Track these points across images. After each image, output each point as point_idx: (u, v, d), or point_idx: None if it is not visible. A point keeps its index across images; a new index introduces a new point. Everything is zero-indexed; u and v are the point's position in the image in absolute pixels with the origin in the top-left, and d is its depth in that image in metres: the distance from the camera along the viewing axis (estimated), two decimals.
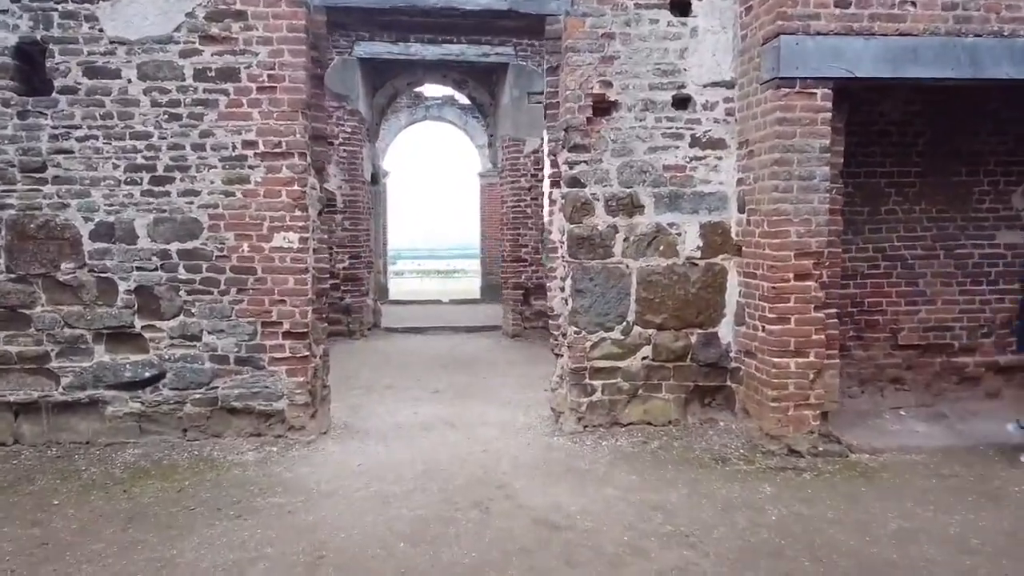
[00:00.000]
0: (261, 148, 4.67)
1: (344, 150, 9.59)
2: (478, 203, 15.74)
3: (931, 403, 5.54)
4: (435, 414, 5.78)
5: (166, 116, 4.63)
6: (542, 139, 9.92)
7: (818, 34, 4.35)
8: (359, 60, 9.50)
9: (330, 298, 9.69)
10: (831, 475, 4.27)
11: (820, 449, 4.53)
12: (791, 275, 4.47)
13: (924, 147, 5.51)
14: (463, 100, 14.78)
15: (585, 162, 4.91)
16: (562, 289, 5.21)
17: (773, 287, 4.49)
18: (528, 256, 10.02)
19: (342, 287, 9.70)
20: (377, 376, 7.43)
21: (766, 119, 4.54)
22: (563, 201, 5.08)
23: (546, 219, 5.68)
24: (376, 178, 10.28)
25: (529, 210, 9.99)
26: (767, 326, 4.56)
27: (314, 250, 4.95)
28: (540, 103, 9.71)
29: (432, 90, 14.74)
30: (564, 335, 5.17)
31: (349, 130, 9.57)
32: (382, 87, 10.49)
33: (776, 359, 4.50)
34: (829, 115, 4.45)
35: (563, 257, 5.15)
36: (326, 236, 5.11)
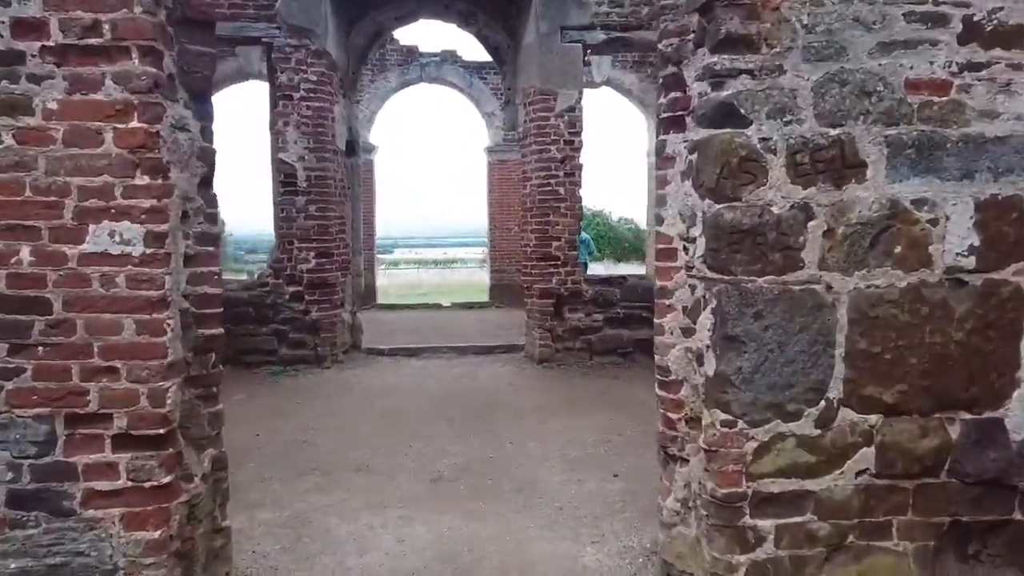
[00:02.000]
0: (55, 37, 2.19)
1: (307, 106, 7.09)
2: (486, 184, 13.24)
3: None
4: (436, 545, 3.33)
5: None
6: (580, 93, 7.44)
7: None
8: None
9: (291, 312, 7.24)
10: None
11: None
12: None
13: None
14: (467, 56, 12.31)
15: (749, 73, 2.43)
16: (686, 332, 2.74)
17: None
18: (561, 253, 7.54)
19: (306, 296, 7.23)
20: (345, 441, 4.98)
21: None
22: (694, 156, 2.61)
23: (654, 193, 3.12)
24: (354, 147, 7.82)
25: (562, 190, 7.50)
26: None
27: (189, 258, 2.47)
28: (578, 41, 7.22)
29: (429, 43, 12.27)
30: (692, 422, 2.71)
31: (314, 78, 7.07)
32: (360, 21, 7.98)
33: None
34: None
35: (692, 268, 2.68)
36: (218, 230, 2.62)
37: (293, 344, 7.26)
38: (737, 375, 2.49)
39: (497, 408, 5.92)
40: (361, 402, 6.11)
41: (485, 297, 14.82)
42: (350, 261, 7.80)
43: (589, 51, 7.44)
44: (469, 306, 12.65)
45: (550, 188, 7.49)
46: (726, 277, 2.49)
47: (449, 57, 12.46)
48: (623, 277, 7.78)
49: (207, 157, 2.55)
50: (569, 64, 7.35)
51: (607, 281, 7.73)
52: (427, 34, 33.61)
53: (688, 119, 2.65)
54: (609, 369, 7.44)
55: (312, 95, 7.09)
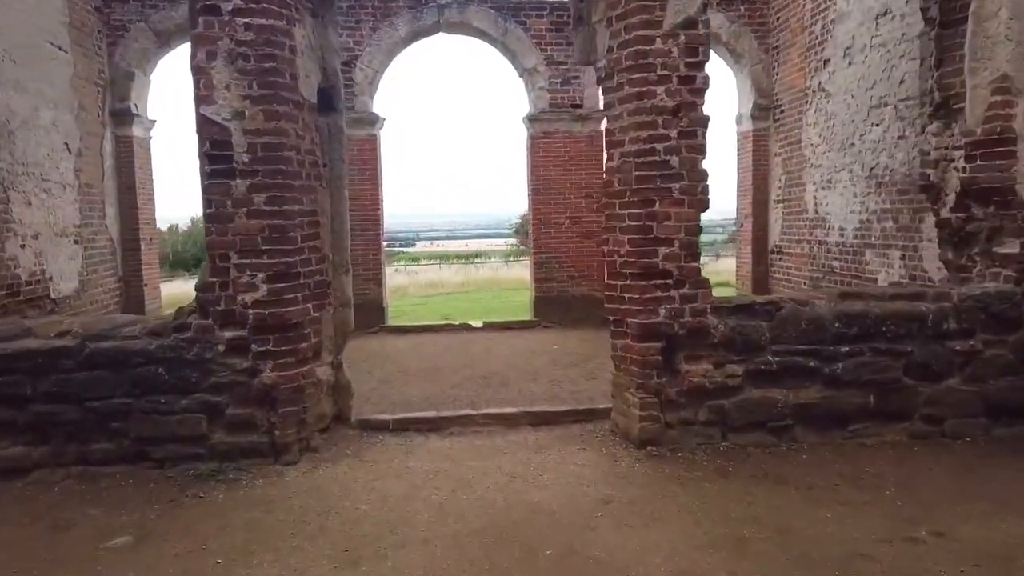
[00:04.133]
0: None
1: (245, 26, 4.25)
2: (526, 164, 10.34)
3: None
4: None
5: None
6: None
7: None
8: None
9: (229, 372, 4.44)
10: None
11: None
12: None
13: None
14: None
15: None
16: None
17: None
18: (674, 265, 4.64)
19: (253, 346, 4.41)
20: None
21: None
22: None
23: None
24: (332, 99, 4.97)
25: (675, 159, 4.59)
26: None
27: None
28: None
29: None
30: None
31: None
32: None
33: None
34: None
35: None
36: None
37: (234, 426, 4.46)
38: None
39: None
40: (336, 564, 3.28)
41: (526, 311, 12.00)
42: (330, 283, 4.97)
43: None
44: (508, 326, 9.79)
45: (655, 158, 4.58)
46: None
47: None
48: (774, 302, 4.84)
49: None
50: None
51: (747, 310, 4.80)
52: None
53: None
54: (758, 459, 4.54)
55: (253, 6, 4.25)
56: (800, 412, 4.78)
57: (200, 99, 4.31)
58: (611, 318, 4.95)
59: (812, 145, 8.69)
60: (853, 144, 7.69)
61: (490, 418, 5.27)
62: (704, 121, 4.63)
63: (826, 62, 8.25)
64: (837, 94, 8.02)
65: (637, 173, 4.64)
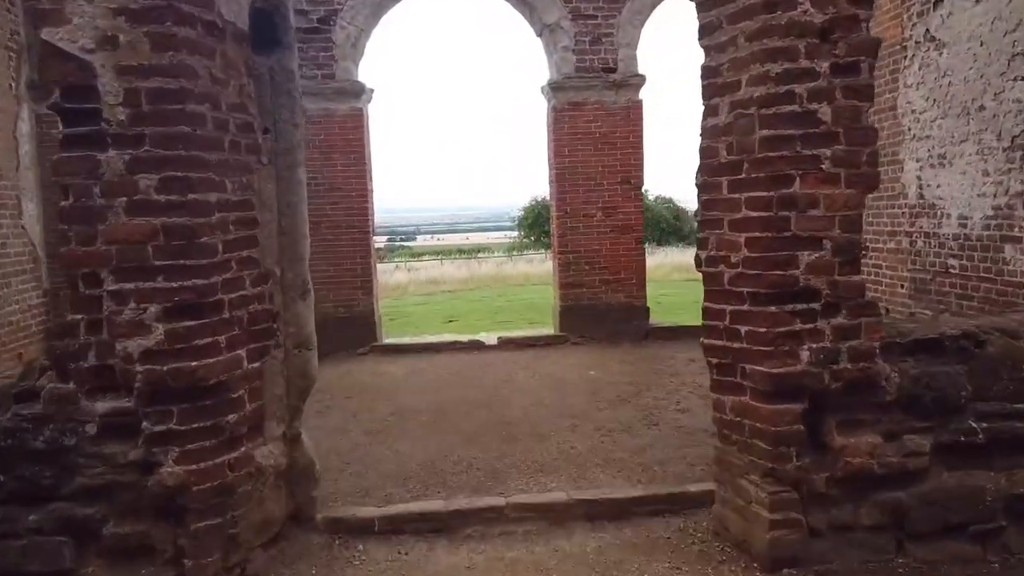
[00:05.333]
0: None
1: None
2: (547, 142, 8.60)
3: None
4: None
5: None
6: None
7: None
8: None
9: (106, 467, 2.62)
10: None
11: None
12: None
13: None
14: None
15: None
16: None
17: None
18: (822, 282, 2.92)
19: (145, 422, 2.70)
20: None
21: None
22: None
23: None
24: (275, 28, 3.25)
25: (826, 110, 2.87)
26: None
27: None
28: None
29: None
30: None
31: None
32: None
33: None
34: None
35: None
36: None
37: (117, 553, 2.78)
38: None
39: None
40: None
41: (537, 313, 10.41)
42: (277, 315, 3.27)
43: None
44: (530, 343, 8.06)
45: (793, 107, 2.87)
46: None
47: None
48: (970, 334, 3.14)
49: None
50: None
51: (933, 347, 3.09)
52: None
53: None
54: None
55: None
56: (1016, 506, 3.09)
57: (42, 16, 2.61)
58: (713, 361, 3.25)
59: (914, 112, 6.95)
60: (982, 107, 5.96)
61: (526, 509, 3.56)
62: (872, 47, 2.92)
63: (936, 3, 6.51)
64: (955, 43, 6.28)
65: (763, 133, 2.92)
